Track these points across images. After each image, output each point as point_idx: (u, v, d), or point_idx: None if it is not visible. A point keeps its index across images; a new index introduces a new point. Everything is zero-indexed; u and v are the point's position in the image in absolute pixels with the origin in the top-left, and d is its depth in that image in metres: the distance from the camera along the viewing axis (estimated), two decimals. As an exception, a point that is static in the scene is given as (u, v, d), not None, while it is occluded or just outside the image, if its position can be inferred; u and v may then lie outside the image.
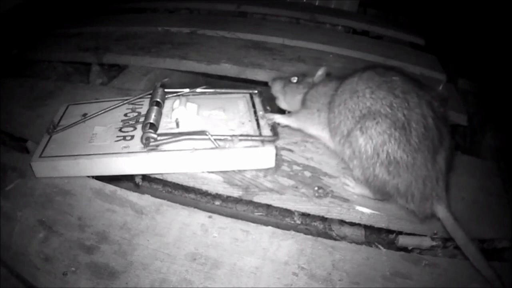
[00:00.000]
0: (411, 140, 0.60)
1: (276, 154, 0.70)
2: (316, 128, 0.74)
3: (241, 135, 0.69)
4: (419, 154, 0.60)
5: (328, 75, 0.78)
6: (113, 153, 0.68)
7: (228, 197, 0.72)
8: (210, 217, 0.68)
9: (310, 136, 0.78)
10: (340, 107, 0.67)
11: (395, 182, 0.61)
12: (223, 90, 0.84)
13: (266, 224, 0.68)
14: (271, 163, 0.71)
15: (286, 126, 0.78)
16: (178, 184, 0.72)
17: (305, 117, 0.75)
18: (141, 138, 0.67)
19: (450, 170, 0.65)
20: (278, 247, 0.64)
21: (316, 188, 0.69)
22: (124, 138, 0.71)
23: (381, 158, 0.61)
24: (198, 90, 0.82)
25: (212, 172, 0.70)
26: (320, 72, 0.77)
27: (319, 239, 0.66)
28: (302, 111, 0.76)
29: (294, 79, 0.80)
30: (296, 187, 0.70)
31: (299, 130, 0.78)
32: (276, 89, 0.82)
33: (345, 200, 0.69)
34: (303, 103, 0.76)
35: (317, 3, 1.67)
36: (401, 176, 0.61)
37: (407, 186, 0.61)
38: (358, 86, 0.66)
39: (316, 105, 0.73)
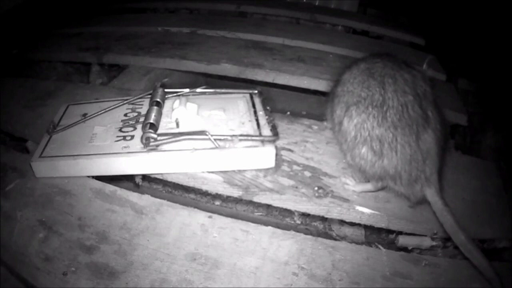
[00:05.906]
0: (388, 117, 0.61)
1: (276, 154, 0.70)
2: None
3: (241, 135, 0.69)
4: (398, 130, 0.60)
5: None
6: (113, 153, 0.68)
7: (228, 197, 0.72)
8: (210, 217, 0.68)
9: (313, 136, 0.79)
10: (336, 102, 0.70)
11: (381, 162, 0.62)
12: (223, 90, 0.84)
13: (266, 224, 0.68)
14: (271, 163, 0.71)
15: None
16: (178, 184, 0.72)
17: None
18: (141, 138, 0.67)
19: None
20: (278, 247, 0.64)
21: (316, 188, 0.69)
22: (124, 138, 0.71)
23: (363, 136, 0.62)
24: (198, 90, 0.82)
25: (212, 172, 0.70)
26: None
27: (319, 239, 0.66)
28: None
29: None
30: (296, 187, 0.70)
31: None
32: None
33: (345, 200, 0.69)
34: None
35: (317, 3, 1.66)
36: (385, 155, 0.62)
37: (394, 167, 0.62)
38: (344, 77, 0.70)
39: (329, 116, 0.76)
